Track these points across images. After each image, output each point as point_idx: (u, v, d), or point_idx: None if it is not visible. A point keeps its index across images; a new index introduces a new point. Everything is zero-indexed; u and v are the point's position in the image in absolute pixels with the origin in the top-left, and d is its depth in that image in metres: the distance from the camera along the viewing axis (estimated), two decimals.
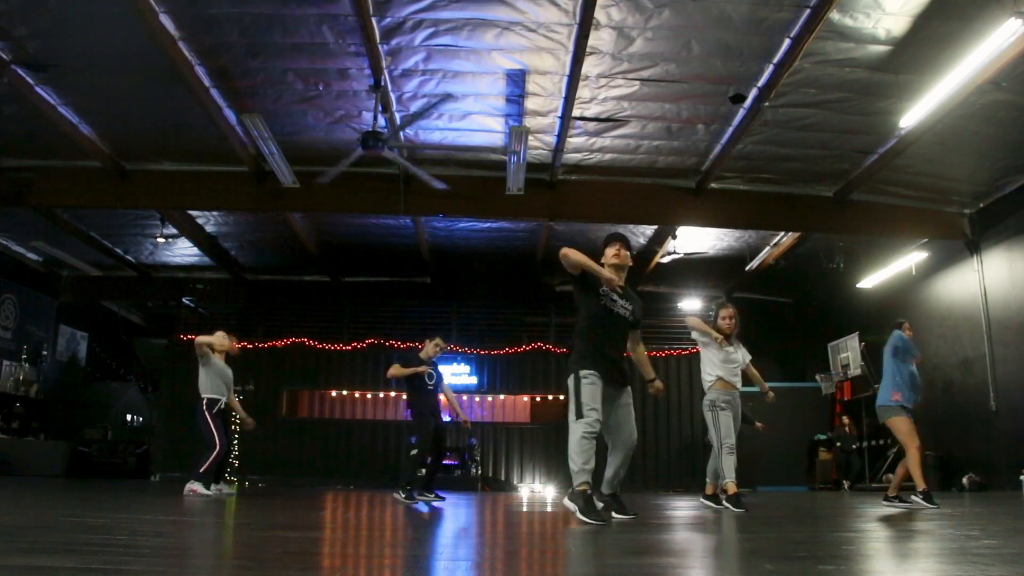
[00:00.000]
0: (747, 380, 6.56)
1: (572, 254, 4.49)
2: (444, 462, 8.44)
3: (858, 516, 5.37)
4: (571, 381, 4.49)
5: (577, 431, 4.34)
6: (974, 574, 2.28)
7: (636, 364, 5.10)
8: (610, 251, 4.73)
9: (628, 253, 4.75)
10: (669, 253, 12.41)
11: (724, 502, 6.03)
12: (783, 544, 3.37)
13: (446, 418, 8.22)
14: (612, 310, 4.59)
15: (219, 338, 7.92)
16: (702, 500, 6.56)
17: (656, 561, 2.78)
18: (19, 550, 2.58)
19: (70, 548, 2.69)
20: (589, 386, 4.40)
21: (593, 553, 3.09)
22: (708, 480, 6.49)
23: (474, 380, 14.06)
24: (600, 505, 4.52)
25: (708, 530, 4.27)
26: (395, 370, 7.66)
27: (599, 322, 4.57)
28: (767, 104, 8.17)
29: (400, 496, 7.07)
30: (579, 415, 4.35)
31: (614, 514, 4.65)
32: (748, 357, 6.57)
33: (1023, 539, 3.49)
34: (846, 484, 12.59)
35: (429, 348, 7.75)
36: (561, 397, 13.40)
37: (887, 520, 4.85)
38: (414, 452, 7.47)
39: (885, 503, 6.33)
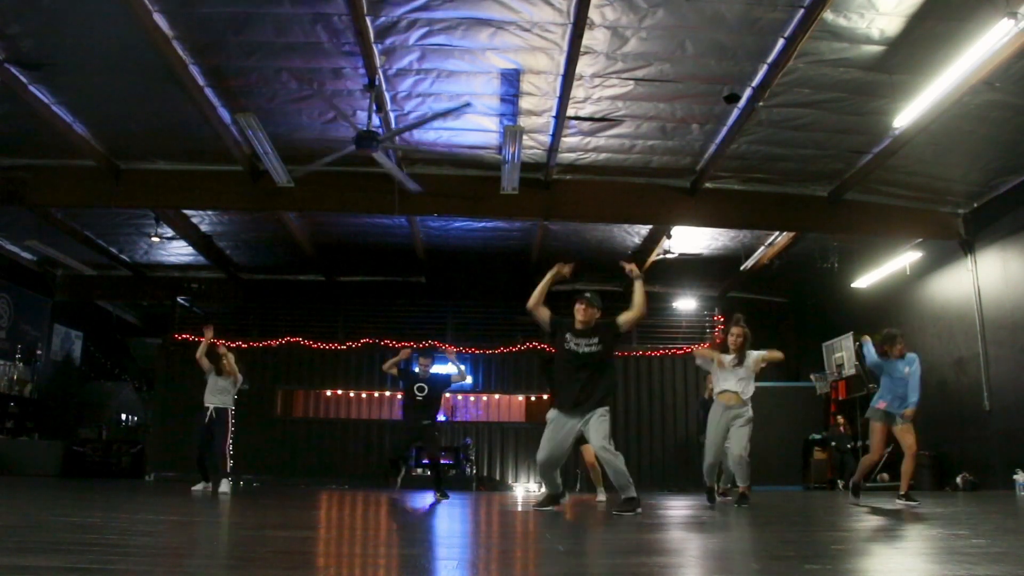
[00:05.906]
0: None
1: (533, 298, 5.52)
2: (435, 462, 8.57)
3: (850, 515, 5.38)
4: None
5: None
6: (959, 573, 2.29)
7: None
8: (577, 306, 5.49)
9: (589, 309, 5.49)
10: (664, 252, 12.40)
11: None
12: (773, 544, 3.38)
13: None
14: (575, 351, 5.36)
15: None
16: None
17: (645, 560, 2.79)
18: (6, 549, 2.58)
19: (58, 547, 2.69)
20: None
21: (584, 552, 3.10)
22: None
23: (469, 380, 14.03)
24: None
25: (699, 530, 4.28)
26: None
27: (562, 363, 5.38)
28: (761, 104, 8.16)
29: None
30: None
31: (621, 512, 5.20)
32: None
33: (1011, 538, 3.50)
34: (841, 484, 12.60)
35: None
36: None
37: (878, 519, 4.86)
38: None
39: (900, 501, 6.30)
